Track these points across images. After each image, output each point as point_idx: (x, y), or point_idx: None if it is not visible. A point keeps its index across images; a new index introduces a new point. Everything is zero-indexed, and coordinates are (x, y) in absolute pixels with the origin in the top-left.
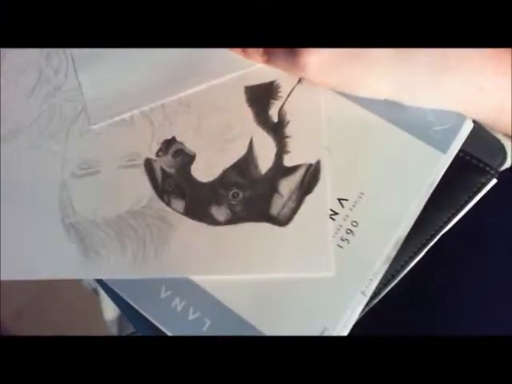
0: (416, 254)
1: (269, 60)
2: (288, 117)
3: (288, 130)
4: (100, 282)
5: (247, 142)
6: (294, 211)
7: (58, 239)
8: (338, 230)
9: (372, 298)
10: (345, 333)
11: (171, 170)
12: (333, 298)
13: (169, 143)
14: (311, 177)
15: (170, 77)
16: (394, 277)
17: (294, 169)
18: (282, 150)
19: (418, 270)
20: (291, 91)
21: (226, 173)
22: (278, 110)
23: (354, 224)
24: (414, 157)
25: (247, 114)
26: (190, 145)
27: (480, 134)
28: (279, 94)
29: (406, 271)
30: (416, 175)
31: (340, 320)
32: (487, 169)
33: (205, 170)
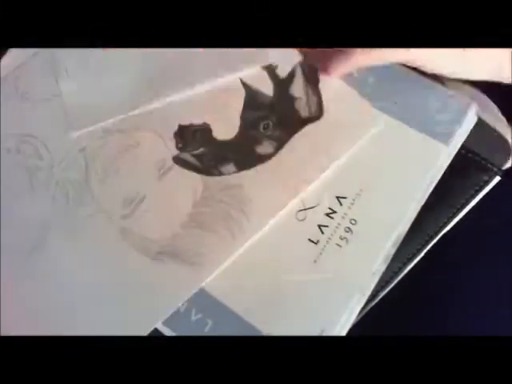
0: (416, 255)
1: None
2: None
3: None
4: None
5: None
6: (320, 102)
7: None
8: (337, 228)
9: (371, 298)
10: (344, 331)
11: (200, 150)
12: (332, 298)
13: (180, 133)
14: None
15: (155, 81)
16: (393, 277)
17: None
18: None
19: (418, 270)
20: None
21: (244, 115)
22: None
23: (353, 222)
24: (414, 150)
25: None
26: (198, 120)
27: (483, 131)
28: None
29: (405, 271)
30: (417, 169)
31: (339, 319)
32: (489, 166)
33: (226, 129)
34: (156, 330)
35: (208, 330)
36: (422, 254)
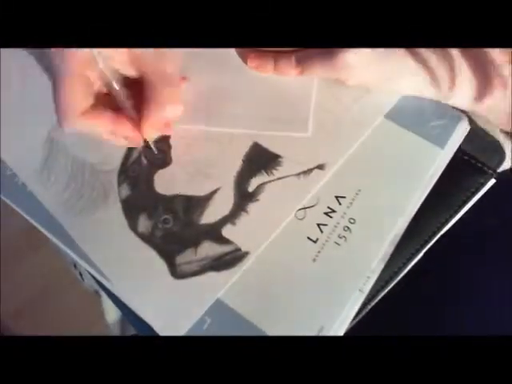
0: (414, 256)
1: (303, 70)
2: None
3: None
4: (101, 284)
5: None
6: None
7: None
8: (336, 227)
9: (371, 298)
10: (343, 329)
11: None
12: (330, 296)
13: None
14: None
15: None
16: (392, 278)
17: None
18: None
19: (418, 270)
20: None
21: None
22: None
23: (352, 221)
24: (411, 152)
25: None
26: None
27: (478, 134)
28: None
29: (404, 272)
30: (414, 171)
31: (338, 317)
32: (485, 169)
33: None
34: (153, 330)
35: (206, 327)
36: (421, 255)
